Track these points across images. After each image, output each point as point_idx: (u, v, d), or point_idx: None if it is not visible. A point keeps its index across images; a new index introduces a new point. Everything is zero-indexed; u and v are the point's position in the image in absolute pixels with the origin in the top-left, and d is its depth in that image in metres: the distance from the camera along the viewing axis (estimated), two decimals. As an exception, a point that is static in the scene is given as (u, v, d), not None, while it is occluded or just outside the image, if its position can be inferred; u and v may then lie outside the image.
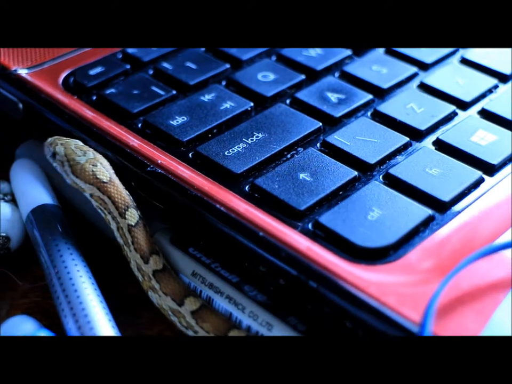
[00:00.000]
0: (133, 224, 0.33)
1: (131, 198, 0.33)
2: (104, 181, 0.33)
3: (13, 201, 0.37)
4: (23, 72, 0.39)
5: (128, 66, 0.40)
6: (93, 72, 0.39)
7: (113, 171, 0.34)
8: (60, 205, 0.36)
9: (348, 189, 0.32)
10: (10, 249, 0.36)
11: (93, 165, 0.33)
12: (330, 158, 0.34)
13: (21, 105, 0.39)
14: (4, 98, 0.39)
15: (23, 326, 0.31)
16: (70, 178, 0.34)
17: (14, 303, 0.34)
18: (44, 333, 0.30)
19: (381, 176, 0.33)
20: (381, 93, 0.38)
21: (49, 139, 0.35)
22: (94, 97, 0.38)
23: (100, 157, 0.34)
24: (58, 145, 0.34)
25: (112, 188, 0.33)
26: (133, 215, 0.33)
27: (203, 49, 0.41)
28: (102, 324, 0.30)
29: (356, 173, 0.33)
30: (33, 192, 0.36)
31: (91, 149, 0.35)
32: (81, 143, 0.35)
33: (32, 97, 0.38)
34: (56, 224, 0.34)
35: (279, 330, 0.30)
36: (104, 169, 0.34)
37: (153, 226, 0.34)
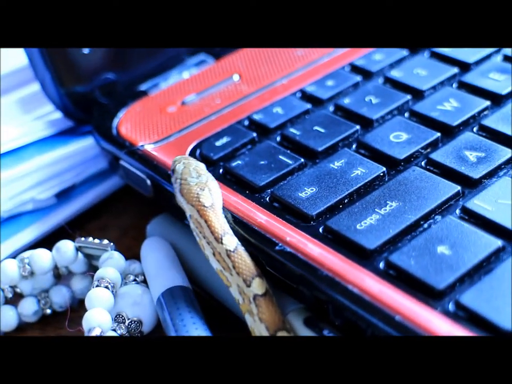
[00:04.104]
0: (231, 249, 0.32)
1: (228, 226, 0.33)
2: (206, 205, 0.33)
3: (145, 281, 0.36)
4: (149, 147, 0.39)
5: (254, 134, 0.39)
6: (219, 143, 0.39)
7: (221, 200, 0.34)
8: (191, 284, 0.35)
9: (491, 261, 0.30)
10: (143, 332, 0.35)
11: (200, 188, 0.34)
12: (471, 227, 0.31)
13: (149, 182, 0.38)
14: (132, 175, 0.39)
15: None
16: (177, 196, 0.34)
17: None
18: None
19: (528, 246, 0.30)
20: (525, 148, 0.35)
21: (178, 156, 0.36)
22: (221, 170, 0.37)
23: (212, 184, 0.34)
24: (180, 163, 0.35)
25: (211, 213, 0.33)
26: (230, 241, 0.32)
27: (331, 110, 0.40)
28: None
29: (500, 243, 0.30)
30: (164, 274, 0.35)
31: (209, 174, 0.35)
32: (202, 166, 0.35)
33: (159, 173, 0.38)
34: (186, 308, 0.33)
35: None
36: (210, 195, 0.34)
37: (286, 306, 0.33)
